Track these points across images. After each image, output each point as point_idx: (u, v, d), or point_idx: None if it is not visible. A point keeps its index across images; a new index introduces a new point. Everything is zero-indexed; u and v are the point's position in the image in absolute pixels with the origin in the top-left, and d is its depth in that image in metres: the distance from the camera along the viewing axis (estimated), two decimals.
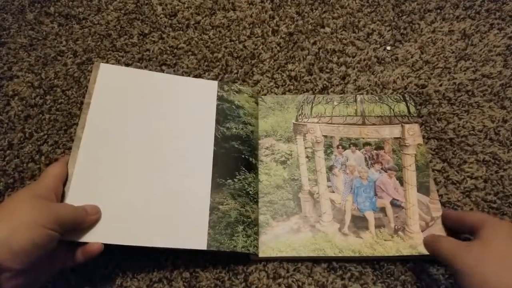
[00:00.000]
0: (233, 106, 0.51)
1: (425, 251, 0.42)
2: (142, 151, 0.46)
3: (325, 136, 0.51)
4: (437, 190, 0.47)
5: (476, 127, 0.52)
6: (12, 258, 0.32)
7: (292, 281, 0.43)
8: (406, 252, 0.43)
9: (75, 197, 0.41)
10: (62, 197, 0.41)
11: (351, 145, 0.50)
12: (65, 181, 0.42)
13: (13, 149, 0.51)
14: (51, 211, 0.36)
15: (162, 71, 0.57)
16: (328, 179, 0.48)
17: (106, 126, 0.46)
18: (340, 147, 0.50)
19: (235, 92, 0.52)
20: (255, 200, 0.46)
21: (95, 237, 0.40)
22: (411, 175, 0.48)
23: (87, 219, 0.40)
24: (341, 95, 0.54)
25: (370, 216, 0.46)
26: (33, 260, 0.33)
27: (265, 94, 0.55)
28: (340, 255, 0.43)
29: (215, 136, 0.48)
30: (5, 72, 0.57)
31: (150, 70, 0.57)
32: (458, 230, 0.43)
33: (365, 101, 0.53)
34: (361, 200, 0.47)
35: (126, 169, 0.44)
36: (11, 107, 0.54)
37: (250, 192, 0.46)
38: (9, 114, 0.53)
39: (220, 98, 0.51)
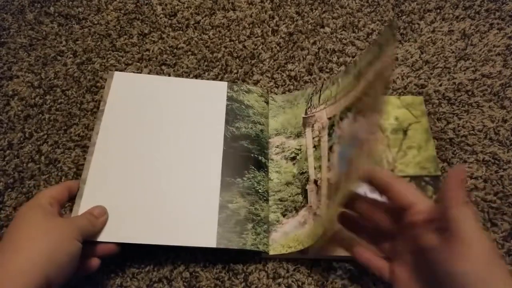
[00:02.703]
0: (242, 106, 0.51)
1: None
2: (153, 153, 0.47)
3: (330, 118, 0.49)
4: None
5: (476, 127, 0.52)
6: (59, 273, 0.34)
7: (292, 281, 0.43)
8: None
9: (89, 197, 0.43)
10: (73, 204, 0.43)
11: (347, 112, 0.46)
12: (63, 203, 0.41)
13: (13, 149, 0.51)
14: (74, 224, 0.38)
15: (162, 71, 0.57)
16: (329, 159, 0.48)
17: (119, 129, 0.48)
18: (340, 121, 0.47)
19: (244, 92, 0.52)
20: (264, 198, 0.47)
21: (108, 237, 0.41)
22: None
23: (98, 223, 0.41)
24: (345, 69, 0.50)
25: None
26: (71, 272, 0.36)
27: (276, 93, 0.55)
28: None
29: (225, 136, 0.49)
30: (5, 72, 0.57)
31: (150, 70, 0.57)
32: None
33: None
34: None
35: (137, 170, 0.46)
36: (10, 107, 0.54)
37: (260, 190, 0.47)
38: (9, 114, 0.53)
39: (229, 99, 0.51)
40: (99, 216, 0.41)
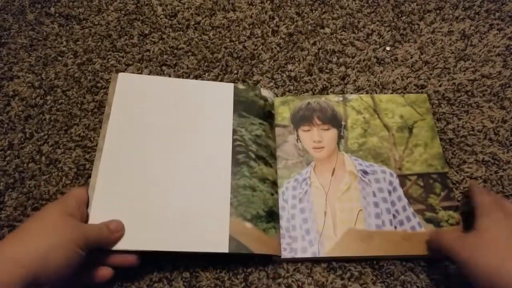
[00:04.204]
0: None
1: None
2: (161, 158, 0.46)
3: None
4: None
5: (475, 127, 0.52)
6: (49, 275, 0.33)
7: (292, 281, 0.43)
8: None
9: (99, 204, 0.42)
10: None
11: None
12: (87, 205, 0.42)
13: (13, 149, 0.51)
14: (82, 232, 0.37)
15: (163, 71, 0.57)
16: None
17: (126, 134, 0.47)
18: None
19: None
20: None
21: (121, 245, 0.41)
22: None
23: (111, 237, 0.40)
24: None
25: None
26: (64, 277, 0.35)
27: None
28: None
29: (233, 139, 0.48)
30: (6, 73, 0.57)
31: (151, 70, 0.57)
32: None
33: None
34: None
35: (147, 176, 0.45)
36: (11, 107, 0.54)
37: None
38: (10, 114, 0.54)
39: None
40: (115, 231, 0.40)
